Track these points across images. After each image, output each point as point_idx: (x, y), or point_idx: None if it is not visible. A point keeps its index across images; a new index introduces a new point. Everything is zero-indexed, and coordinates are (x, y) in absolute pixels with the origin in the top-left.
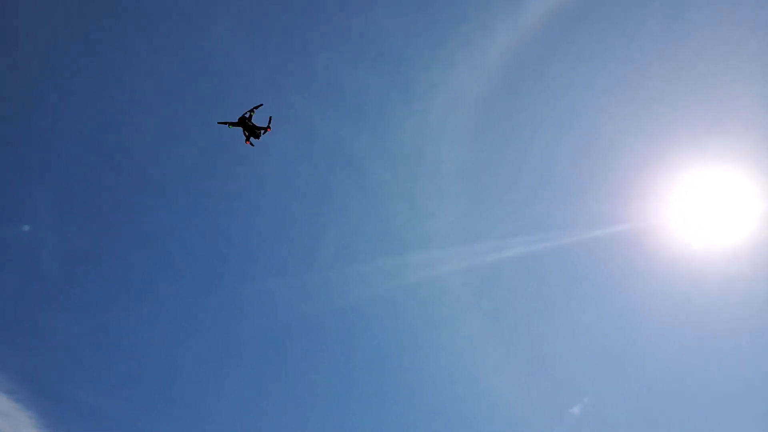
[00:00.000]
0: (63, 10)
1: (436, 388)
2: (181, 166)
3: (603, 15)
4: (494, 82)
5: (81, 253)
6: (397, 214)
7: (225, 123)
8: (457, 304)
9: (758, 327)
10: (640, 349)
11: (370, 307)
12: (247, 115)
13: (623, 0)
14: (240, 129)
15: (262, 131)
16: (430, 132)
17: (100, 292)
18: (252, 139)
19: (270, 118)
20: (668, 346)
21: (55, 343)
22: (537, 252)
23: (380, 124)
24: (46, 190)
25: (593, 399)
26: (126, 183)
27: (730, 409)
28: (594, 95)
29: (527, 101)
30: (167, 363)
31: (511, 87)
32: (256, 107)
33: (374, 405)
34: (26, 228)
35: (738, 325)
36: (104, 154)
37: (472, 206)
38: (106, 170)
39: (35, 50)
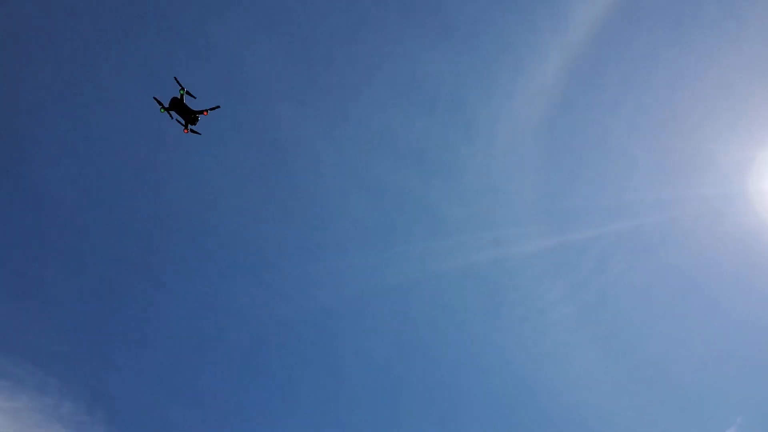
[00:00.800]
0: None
1: (548, 412)
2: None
3: (654, 12)
4: (554, 101)
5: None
6: (478, 251)
7: (159, 103)
8: (564, 324)
9: None
10: None
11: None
12: (179, 96)
13: None
14: (181, 119)
15: (199, 115)
16: (498, 165)
17: (103, 292)
18: (192, 126)
19: (217, 107)
20: None
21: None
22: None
23: (447, 168)
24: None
25: (749, 418)
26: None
27: None
28: (664, 92)
29: (590, 113)
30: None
31: (573, 102)
32: (189, 93)
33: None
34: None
35: None
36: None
37: (554, 225)
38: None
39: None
